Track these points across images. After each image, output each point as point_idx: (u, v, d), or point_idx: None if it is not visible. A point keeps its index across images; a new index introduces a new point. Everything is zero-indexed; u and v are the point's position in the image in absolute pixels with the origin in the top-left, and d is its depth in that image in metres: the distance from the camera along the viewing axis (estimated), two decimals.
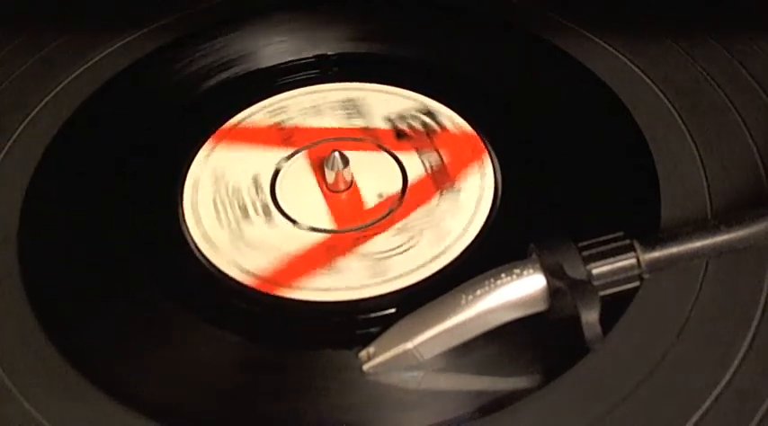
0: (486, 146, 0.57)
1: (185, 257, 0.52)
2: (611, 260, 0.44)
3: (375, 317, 0.48)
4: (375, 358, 0.46)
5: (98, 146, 0.59)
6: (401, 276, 0.51)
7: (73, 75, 0.63)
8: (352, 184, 0.55)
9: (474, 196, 0.54)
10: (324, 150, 0.57)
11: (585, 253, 0.44)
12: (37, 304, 0.50)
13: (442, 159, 0.57)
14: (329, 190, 0.55)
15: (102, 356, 0.48)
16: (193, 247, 0.53)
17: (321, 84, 0.62)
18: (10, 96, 0.62)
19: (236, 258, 0.52)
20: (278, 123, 0.59)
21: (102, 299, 0.51)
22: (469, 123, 0.58)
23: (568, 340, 0.43)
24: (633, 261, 0.44)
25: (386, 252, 0.52)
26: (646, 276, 0.45)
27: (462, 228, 0.52)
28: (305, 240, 0.53)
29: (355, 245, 0.52)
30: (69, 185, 0.57)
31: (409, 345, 0.45)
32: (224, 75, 0.63)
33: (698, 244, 0.45)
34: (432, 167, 0.56)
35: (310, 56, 0.64)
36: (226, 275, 0.51)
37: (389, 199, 0.55)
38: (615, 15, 0.66)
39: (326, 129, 0.59)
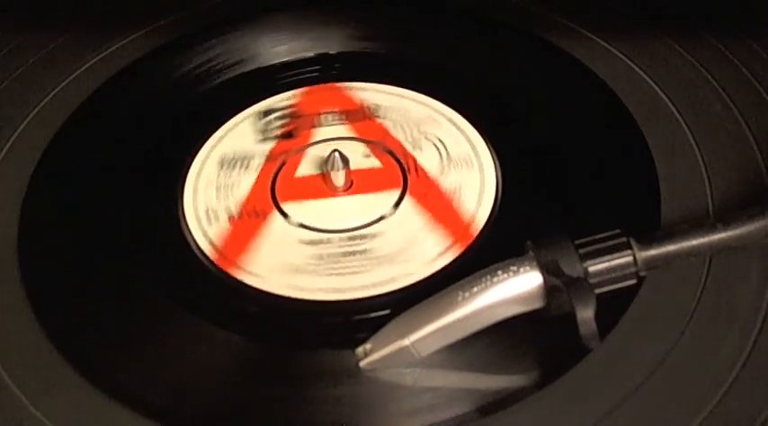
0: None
1: (185, 257, 0.52)
2: (608, 257, 0.44)
3: (373, 317, 0.48)
4: (372, 354, 0.46)
5: (98, 146, 0.59)
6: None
7: (73, 75, 0.63)
8: (352, 184, 0.56)
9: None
10: (286, 182, 0.57)
11: (582, 251, 0.44)
12: (37, 304, 0.50)
13: (343, 114, 0.60)
14: (341, 191, 0.56)
15: (102, 356, 0.48)
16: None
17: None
18: (10, 96, 0.62)
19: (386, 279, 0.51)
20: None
21: (102, 299, 0.51)
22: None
23: (569, 340, 0.43)
24: (630, 259, 0.44)
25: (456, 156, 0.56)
26: (642, 274, 0.45)
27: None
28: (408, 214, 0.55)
29: (432, 178, 0.56)
30: (69, 185, 0.57)
31: (406, 342, 0.45)
32: (224, 75, 0.63)
33: (695, 242, 0.45)
34: (355, 114, 0.60)
35: (311, 55, 0.64)
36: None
37: (374, 149, 0.57)
38: (615, 15, 0.66)
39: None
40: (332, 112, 0.60)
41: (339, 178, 0.55)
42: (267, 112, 0.60)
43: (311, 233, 0.54)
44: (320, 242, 0.53)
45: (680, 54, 0.62)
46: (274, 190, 0.56)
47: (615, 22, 0.65)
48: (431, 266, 0.51)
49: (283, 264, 0.52)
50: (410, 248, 0.52)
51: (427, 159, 0.57)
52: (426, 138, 0.58)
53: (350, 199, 0.55)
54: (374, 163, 0.57)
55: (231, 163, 0.58)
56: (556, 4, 0.66)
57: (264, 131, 0.59)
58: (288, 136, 0.59)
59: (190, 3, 0.69)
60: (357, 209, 0.55)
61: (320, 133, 0.59)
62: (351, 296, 0.50)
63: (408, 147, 0.58)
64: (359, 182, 0.56)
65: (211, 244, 0.53)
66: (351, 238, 0.53)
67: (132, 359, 0.48)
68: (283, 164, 0.57)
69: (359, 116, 0.59)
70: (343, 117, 0.60)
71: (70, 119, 0.60)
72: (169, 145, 0.59)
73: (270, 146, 0.58)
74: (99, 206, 0.55)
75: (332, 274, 0.51)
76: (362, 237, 0.53)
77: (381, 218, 0.54)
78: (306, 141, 0.58)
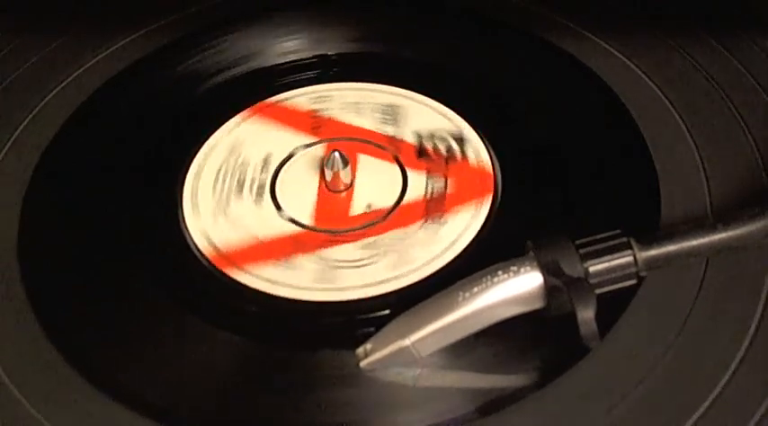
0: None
1: (185, 257, 0.52)
2: (608, 257, 0.44)
3: (374, 317, 0.48)
4: (372, 354, 0.46)
5: (98, 146, 0.59)
6: (346, 289, 0.50)
7: (73, 75, 0.63)
8: (351, 185, 0.56)
9: (455, 232, 0.53)
10: (343, 147, 0.56)
11: (582, 251, 0.44)
12: (37, 304, 0.50)
13: (445, 188, 0.56)
14: (327, 189, 0.55)
15: (102, 356, 0.48)
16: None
17: (365, 83, 0.63)
18: (10, 96, 0.62)
19: (209, 228, 0.53)
20: (315, 111, 0.60)
21: (102, 299, 0.51)
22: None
23: (569, 339, 0.43)
24: (630, 259, 0.44)
25: (343, 261, 0.52)
26: (643, 274, 0.45)
27: (425, 261, 0.51)
28: (278, 228, 0.54)
29: (320, 248, 0.53)
30: (69, 185, 0.57)
31: (406, 342, 0.45)
32: (224, 76, 0.63)
33: (695, 242, 0.45)
34: (432, 193, 0.55)
35: (311, 56, 0.64)
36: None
37: (375, 212, 0.55)
38: (615, 15, 0.66)
39: (356, 128, 0.59)
40: (444, 184, 0.56)
41: (327, 174, 0.55)
42: (459, 139, 0.58)
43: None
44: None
45: (680, 54, 0.62)
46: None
47: (615, 22, 0.65)
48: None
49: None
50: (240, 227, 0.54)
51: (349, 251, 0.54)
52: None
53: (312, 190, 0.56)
54: (357, 211, 0.55)
55: (387, 113, 0.60)
56: (556, 4, 0.66)
57: (430, 137, 0.58)
58: (421, 152, 0.57)
59: (190, 3, 0.69)
60: (300, 199, 0.56)
61: (417, 176, 0.56)
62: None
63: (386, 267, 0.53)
64: (332, 199, 0.56)
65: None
66: (259, 188, 0.56)
67: (132, 359, 0.48)
68: (369, 143, 0.58)
69: (435, 208, 0.55)
70: (436, 198, 0.55)
71: (70, 119, 0.60)
72: (169, 145, 0.59)
73: (404, 137, 0.58)
74: (99, 206, 0.55)
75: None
76: (260, 192, 0.56)
77: (279, 210, 0.55)
78: (411, 164, 0.57)
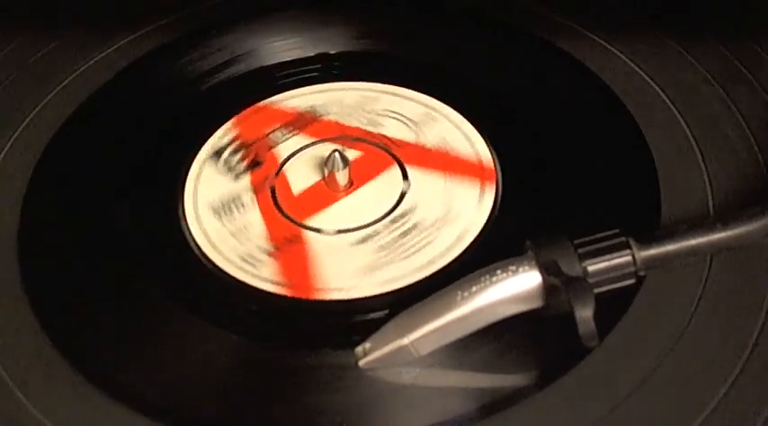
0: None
1: (185, 257, 0.52)
2: (607, 257, 0.44)
3: (372, 317, 0.48)
4: (371, 353, 0.46)
5: (98, 146, 0.59)
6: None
7: (73, 76, 0.63)
8: (352, 184, 0.56)
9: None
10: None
11: (581, 251, 0.44)
12: (37, 304, 0.50)
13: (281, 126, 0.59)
14: (345, 189, 0.56)
15: (102, 356, 0.48)
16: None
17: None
18: (10, 96, 0.62)
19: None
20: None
21: (102, 299, 0.51)
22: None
23: (569, 340, 0.43)
24: (629, 258, 0.44)
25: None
26: (641, 274, 0.45)
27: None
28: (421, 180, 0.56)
29: (413, 143, 0.55)
30: (69, 185, 0.57)
31: (405, 341, 0.45)
32: (224, 75, 0.63)
33: (694, 241, 0.45)
34: (288, 131, 0.59)
35: (311, 55, 0.64)
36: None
37: (344, 142, 0.58)
38: (615, 15, 0.66)
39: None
40: (277, 129, 0.59)
41: (343, 177, 0.55)
42: (218, 153, 0.58)
43: (354, 234, 0.53)
44: (369, 237, 0.53)
45: (680, 54, 0.62)
46: (286, 214, 0.55)
47: (615, 22, 0.65)
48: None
49: (359, 269, 0.51)
50: (452, 204, 0.54)
51: (395, 131, 0.58)
52: (379, 115, 0.59)
53: (360, 193, 0.55)
54: (354, 154, 0.57)
55: (225, 208, 0.56)
56: (556, 4, 0.66)
57: (231, 169, 0.58)
58: (256, 164, 0.57)
59: (190, 3, 0.69)
60: (374, 198, 0.55)
61: (283, 150, 0.58)
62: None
63: (370, 129, 0.58)
64: (355, 176, 0.56)
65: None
66: (393, 221, 0.54)
67: (132, 359, 0.48)
68: (273, 188, 0.56)
69: (304, 122, 0.59)
70: (291, 128, 0.59)
71: (70, 119, 0.60)
72: (169, 145, 0.59)
73: (247, 179, 0.57)
74: (99, 206, 0.55)
75: (408, 255, 0.52)
76: (402, 215, 0.54)
77: (403, 194, 0.55)
78: (276, 162, 0.57)
